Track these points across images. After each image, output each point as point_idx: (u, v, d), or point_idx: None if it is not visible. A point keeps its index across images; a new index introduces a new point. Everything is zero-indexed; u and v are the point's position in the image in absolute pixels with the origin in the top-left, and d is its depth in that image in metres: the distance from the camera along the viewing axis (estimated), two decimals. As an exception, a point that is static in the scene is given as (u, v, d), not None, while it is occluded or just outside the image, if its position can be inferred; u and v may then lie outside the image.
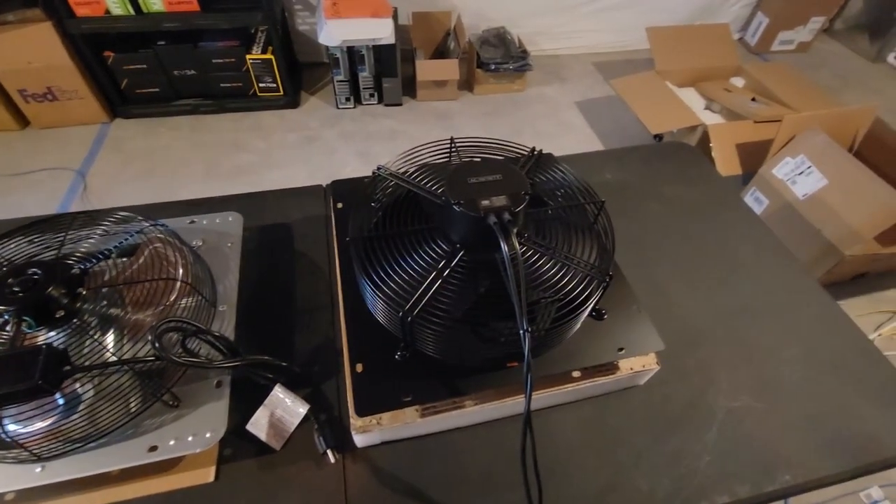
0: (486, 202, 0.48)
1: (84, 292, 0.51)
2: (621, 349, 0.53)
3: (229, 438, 0.53)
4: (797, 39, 2.78)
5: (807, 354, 0.64)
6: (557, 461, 0.54)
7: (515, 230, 0.47)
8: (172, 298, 0.56)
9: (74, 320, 0.49)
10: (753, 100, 1.88)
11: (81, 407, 0.48)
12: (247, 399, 0.54)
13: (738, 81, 2.06)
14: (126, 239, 0.59)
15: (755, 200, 1.58)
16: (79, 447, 0.47)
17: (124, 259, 0.59)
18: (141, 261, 0.58)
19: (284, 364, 0.56)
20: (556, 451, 0.55)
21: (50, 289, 0.48)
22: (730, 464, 0.54)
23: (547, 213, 0.56)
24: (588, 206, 0.57)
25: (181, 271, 0.58)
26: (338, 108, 2.20)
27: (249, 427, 0.53)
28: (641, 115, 1.83)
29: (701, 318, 0.67)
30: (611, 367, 0.55)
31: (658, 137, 1.88)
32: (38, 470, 0.47)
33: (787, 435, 0.57)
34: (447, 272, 0.49)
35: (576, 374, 0.54)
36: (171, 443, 0.48)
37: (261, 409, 0.54)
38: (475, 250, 0.51)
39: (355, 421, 0.50)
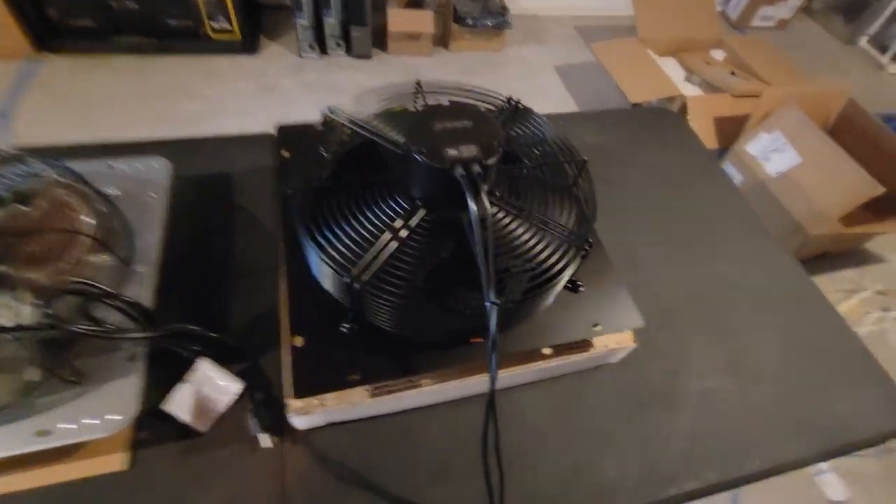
0: (453, 152, 0.40)
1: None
2: (597, 325, 0.48)
3: (148, 421, 0.46)
4: (777, 16, 2.76)
5: (780, 333, 0.61)
6: (522, 446, 0.49)
7: (486, 186, 0.40)
8: (76, 255, 0.46)
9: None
10: (732, 73, 1.84)
11: (-53, 384, 0.39)
12: (174, 376, 0.46)
13: (718, 54, 2.02)
14: (15, 182, 0.48)
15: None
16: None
17: (19, 207, 0.49)
18: (37, 209, 0.48)
19: (214, 335, 0.48)
20: (521, 434, 0.50)
21: None
22: (700, 448, 0.51)
23: (522, 170, 0.49)
24: (568, 166, 0.50)
25: (87, 223, 0.48)
26: (300, 56, 2.02)
27: (166, 406, 0.45)
28: (621, 83, 1.77)
29: (677, 293, 0.63)
30: (584, 345, 0.50)
31: (636, 107, 1.83)
32: None
33: (759, 417, 0.54)
34: (405, 232, 0.42)
35: (546, 351, 0.49)
36: (69, 426, 0.40)
37: (182, 386, 0.46)
38: (438, 208, 0.44)
39: (293, 402, 0.43)
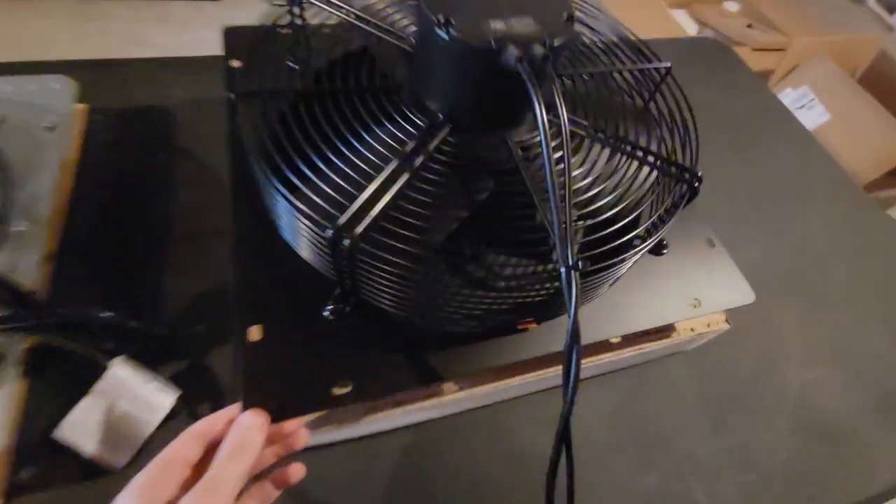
0: (499, 25, 0.25)
1: None
2: (697, 302, 0.33)
3: (32, 455, 0.31)
4: (783, -28, 2.60)
5: (891, 307, 0.49)
6: (580, 464, 0.36)
7: (557, 82, 0.25)
8: None
9: None
10: (749, 26, 1.69)
11: None
12: (79, 390, 0.31)
13: (733, 6, 1.86)
14: None
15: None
16: None
17: None
18: None
19: (135, 324, 0.33)
20: (577, 449, 0.37)
21: None
22: (810, 461, 0.38)
23: (584, 79, 0.34)
24: (648, 73, 0.35)
25: None
26: (271, 3, 1.79)
27: (60, 433, 0.30)
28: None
29: (757, 262, 0.49)
30: (666, 330, 0.36)
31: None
32: None
33: (881, 416, 0.42)
34: (420, 160, 0.26)
35: (615, 339, 0.35)
36: None
37: (86, 402, 0.31)
38: (470, 125, 0.28)
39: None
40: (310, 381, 0.27)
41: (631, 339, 0.35)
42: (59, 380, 0.32)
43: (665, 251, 0.35)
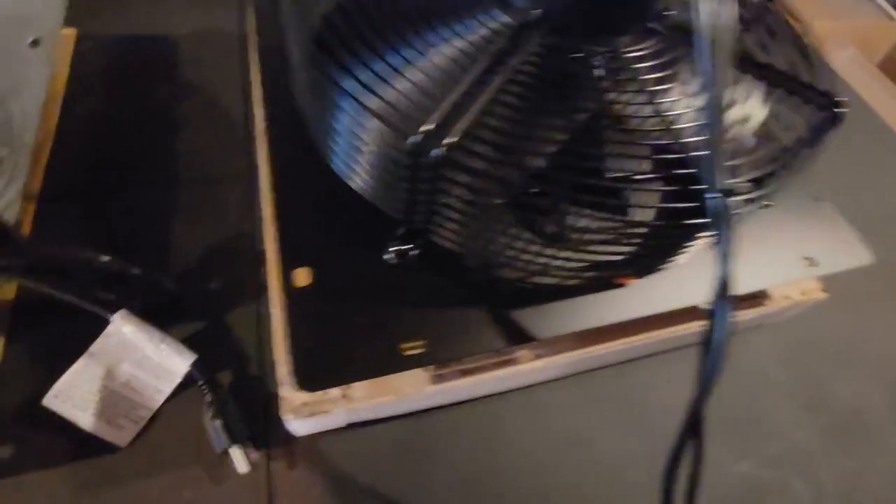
0: None
1: None
2: (809, 261, 0.29)
3: (15, 430, 0.25)
4: (791, -38, 2.57)
5: None
6: (662, 452, 0.31)
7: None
8: None
9: None
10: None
11: None
12: (60, 349, 0.25)
13: (745, -9, 1.82)
14: None
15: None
16: None
17: None
18: None
19: (137, 271, 0.27)
20: (657, 432, 0.32)
21: None
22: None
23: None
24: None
25: None
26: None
27: (50, 401, 0.24)
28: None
29: (858, 212, 0.45)
30: (758, 297, 0.32)
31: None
32: None
33: None
34: (515, 64, 0.21)
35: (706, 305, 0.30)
36: None
37: (82, 364, 0.25)
38: (569, 26, 0.23)
39: (291, 396, 0.23)
40: (372, 336, 0.21)
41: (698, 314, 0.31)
42: (48, 338, 0.26)
43: (770, 202, 0.30)
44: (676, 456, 0.21)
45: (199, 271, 0.32)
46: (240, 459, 0.25)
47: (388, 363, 0.21)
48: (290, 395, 0.22)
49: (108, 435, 0.25)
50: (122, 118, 0.39)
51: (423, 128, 0.18)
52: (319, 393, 0.23)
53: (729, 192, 0.18)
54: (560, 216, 0.23)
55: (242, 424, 0.26)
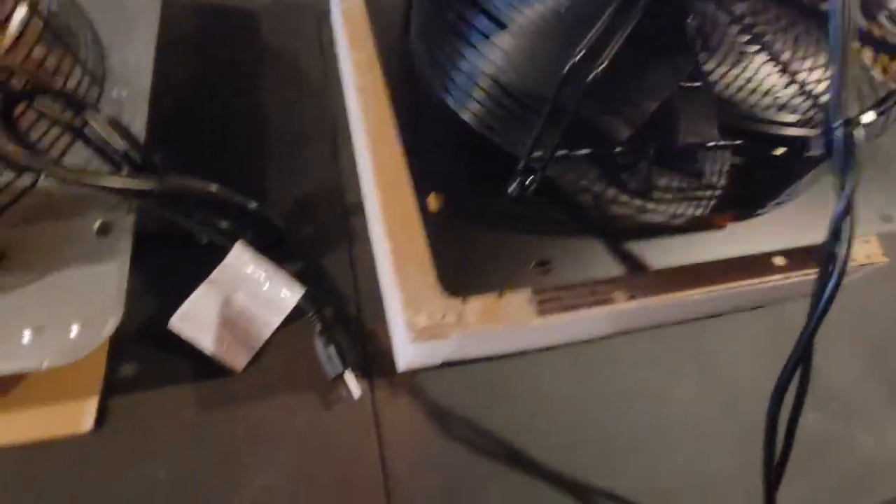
0: None
1: None
2: (888, 216, 0.30)
3: (139, 349, 0.26)
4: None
5: None
6: (739, 401, 0.32)
7: None
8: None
9: None
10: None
11: None
12: (178, 276, 0.26)
13: None
14: None
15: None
16: None
17: None
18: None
19: (254, 205, 0.28)
20: (729, 385, 0.33)
21: None
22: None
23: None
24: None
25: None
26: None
27: (174, 324, 0.26)
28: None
29: None
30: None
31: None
32: None
33: None
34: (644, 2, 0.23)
35: (779, 261, 0.32)
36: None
37: (203, 290, 0.26)
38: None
39: (418, 315, 0.24)
40: (507, 255, 0.23)
41: (798, 262, 0.32)
42: (169, 265, 0.28)
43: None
44: (783, 383, 0.22)
45: (297, 219, 0.33)
46: (354, 383, 0.26)
47: (523, 277, 0.23)
48: (416, 314, 0.24)
49: (227, 359, 0.26)
50: (209, 80, 0.40)
51: (574, 59, 0.20)
52: (437, 317, 0.24)
53: (855, 122, 0.19)
54: (645, 172, 0.25)
55: (353, 351, 0.27)
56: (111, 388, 0.25)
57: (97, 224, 0.24)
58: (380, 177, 0.28)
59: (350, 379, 0.26)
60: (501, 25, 0.23)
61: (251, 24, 0.44)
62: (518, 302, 0.26)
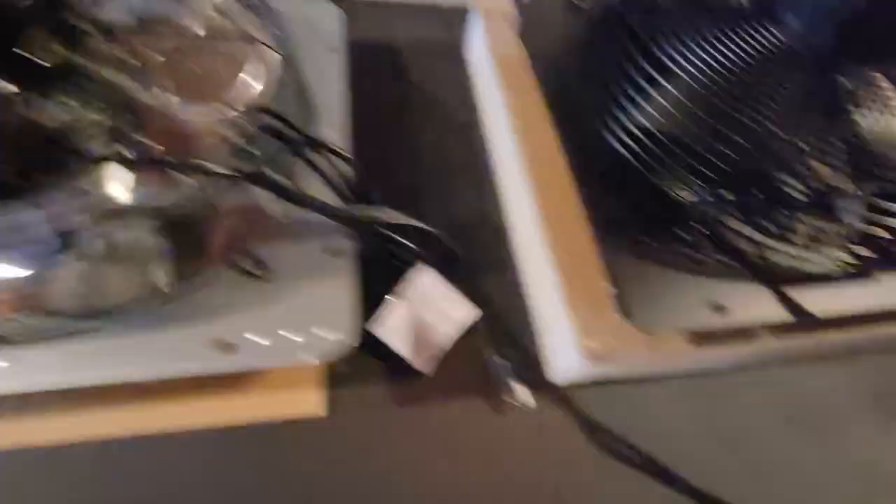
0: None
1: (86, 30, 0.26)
2: None
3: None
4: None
5: None
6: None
7: None
8: (237, 95, 0.31)
9: (72, 78, 0.24)
10: None
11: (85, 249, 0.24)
12: (381, 287, 0.31)
13: None
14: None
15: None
16: (75, 329, 0.24)
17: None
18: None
19: (434, 231, 0.32)
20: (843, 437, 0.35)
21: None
22: None
23: None
24: None
25: (253, 55, 0.32)
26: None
27: (377, 329, 0.30)
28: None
29: None
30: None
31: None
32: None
33: None
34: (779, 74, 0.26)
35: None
36: (259, 340, 0.25)
37: (394, 303, 0.31)
38: (840, 51, 0.27)
39: (592, 341, 0.27)
40: (674, 291, 0.26)
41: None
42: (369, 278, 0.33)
43: None
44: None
45: (462, 243, 0.37)
46: (527, 395, 0.30)
47: (681, 314, 0.26)
48: (587, 343, 0.27)
49: (419, 363, 0.31)
50: (360, 112, 0.46)
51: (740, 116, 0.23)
52: (610, 344, 0.28)
53: None
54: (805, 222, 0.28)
55: (523, 366, 0.31)
56: (336, 380, 0.30)
57: (323, 247, 0.29)
58: (547, 213, 0.32)
59: (524, 391, 0.30)
60: (675, 75, 0.27)
61: (397, 58, 0.50)
62: (681, 336, 0.29)
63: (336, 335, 0.26)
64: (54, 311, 0.23)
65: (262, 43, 0.33)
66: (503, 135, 0.40)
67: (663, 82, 0.27)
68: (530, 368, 0.32)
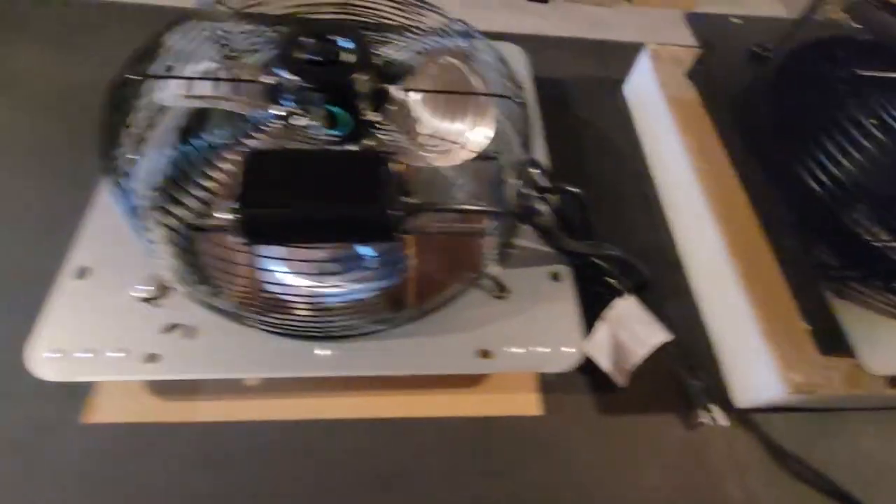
0: None
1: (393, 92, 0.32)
2: None
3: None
4: None
5: None
6: None
7: None
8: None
9: (388, 128, 0.31)
10: None
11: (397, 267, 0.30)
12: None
13: None
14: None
15: None
16: (376, 330, 0.31)
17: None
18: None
19: (637, 262, 0.37)
20: None
21: (361, 68, 0.29)
22: None
23: None
24: None
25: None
26: (474, -6, 1.88)
27: (587, 347, 0.35)
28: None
29: None
30: None
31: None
32: (319, 351, 0.30)
33: None
34: None
35: None
36: (514, 350, 0.31)
37: (601, 325, 0.36)
38: None
39: (794, 373, 0.31)
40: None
41: None
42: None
43: None
44: None
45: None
46: (721, 414, 0.34)
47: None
48: (789, 376, 0.31)
49: (617, 377, 0.36)
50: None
51: None
52: (810, 374, 0.31)
53: None
54: None
55: (711, 389, 0.35)
56: (546, 387, 0.36)
57: (549, 272, 0.35)
58: (736, 250, 0.36)
59: (716, 410, 0.34)
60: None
61: (564, 92, 0.55)
62: (882, 379, 0.32)
63: (571, 349, 0.31)
64: (373, 316, 0.30)
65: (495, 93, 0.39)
66: (680, 173, 0.43)
67: (883, 138, 0.30)
68: (715, 390, 0.36)
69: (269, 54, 0.32)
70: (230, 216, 0.23)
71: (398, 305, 0.31)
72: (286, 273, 0.31)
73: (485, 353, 0.31)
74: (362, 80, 0.29)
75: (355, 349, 0.30)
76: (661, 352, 0.36)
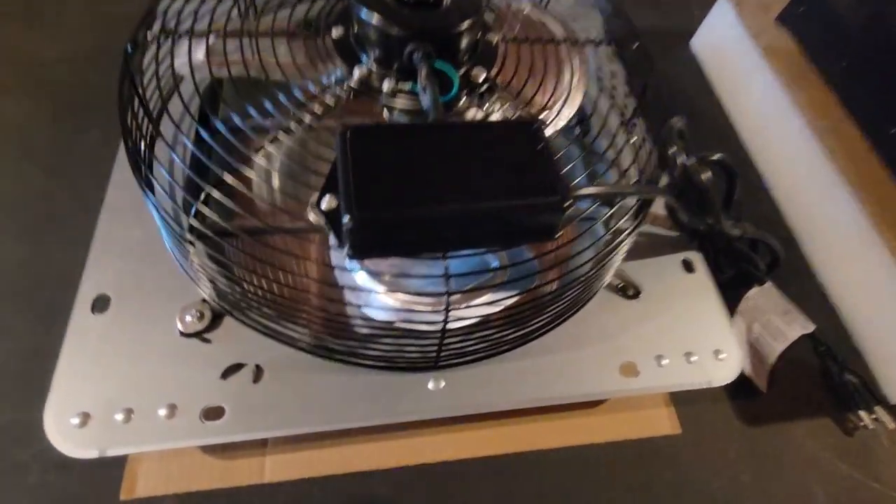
0: None
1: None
2: None
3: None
4: None
5: None
6: None
7: None
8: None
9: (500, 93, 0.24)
10: None
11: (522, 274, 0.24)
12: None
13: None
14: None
15: None
16: (496, 352, 0.24)
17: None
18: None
19: (767, 240, 0.31)
20: None
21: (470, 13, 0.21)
22: None
23: None
24: None
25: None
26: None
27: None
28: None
29: None
30: None
31: None
32: (433, 385, 0.24)
33: None
34: None
35: None
36: (664, 362, 0.25)
37: (736, 321, 0.30)
38: None
39: None
40: None
41: None
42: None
43: None
44: None
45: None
46: (887, 417, 0.29)
47: None
48: None
49: (757, 381, 0.30)
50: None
51: None
52: None
53: None
54: None
55: (866, 391, 0.30)
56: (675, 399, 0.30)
57: (681, 260, 0.29)
58: (880, 219, 0.31)
59: (882, 413, 0.29)
60: None
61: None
62: None
63: (731, 353, 0.26)
64: (496, 338, 0.23)
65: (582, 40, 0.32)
66: (788, 134, 0.38)
67: None
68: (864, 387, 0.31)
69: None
70: (323, 222, 0.16)
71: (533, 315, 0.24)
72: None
73: (630, 368, 0.25)
74: (473, 31, 0.22)
75: (473, 377, 0.24)
76: (796, 345, 0.31)
